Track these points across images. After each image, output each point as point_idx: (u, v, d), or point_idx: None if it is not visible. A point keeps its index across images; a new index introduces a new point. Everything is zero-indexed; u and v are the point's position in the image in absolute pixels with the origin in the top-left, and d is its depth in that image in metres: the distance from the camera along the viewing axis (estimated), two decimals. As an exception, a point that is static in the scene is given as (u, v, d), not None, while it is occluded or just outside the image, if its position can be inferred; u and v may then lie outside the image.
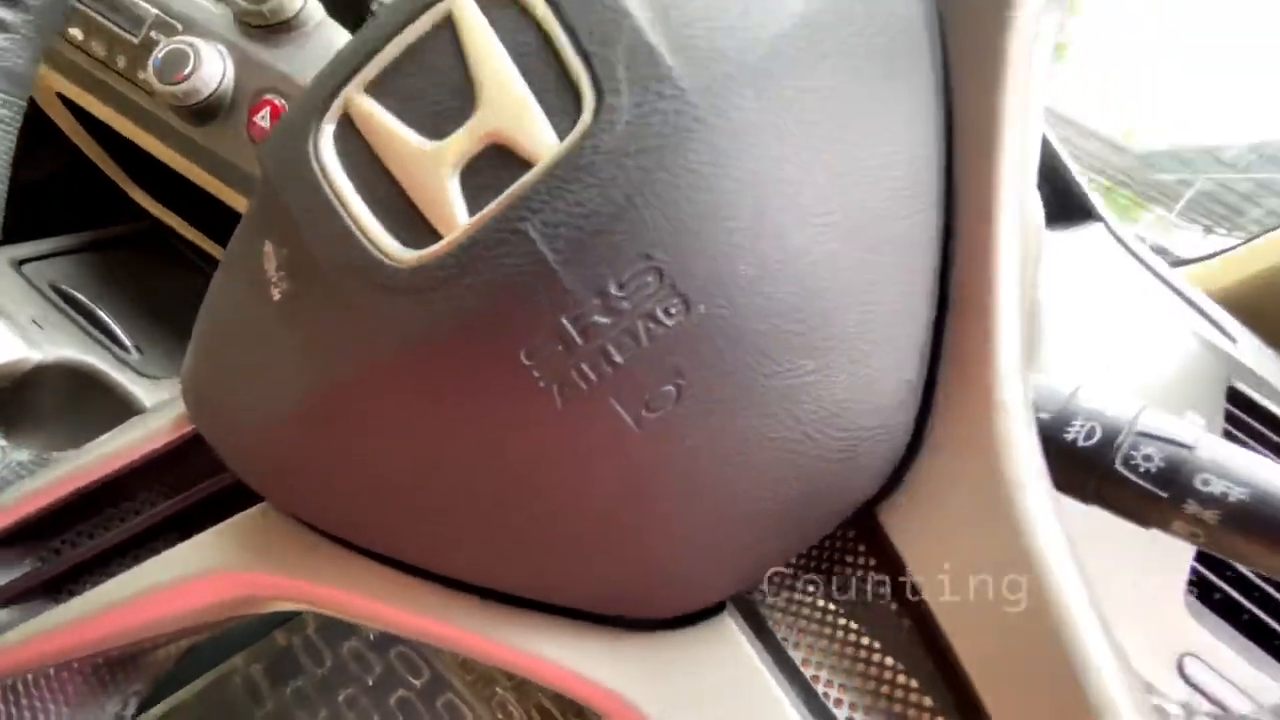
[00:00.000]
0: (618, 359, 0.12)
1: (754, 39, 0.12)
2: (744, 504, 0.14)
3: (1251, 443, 0.35)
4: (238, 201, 0.44)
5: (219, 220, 0.49)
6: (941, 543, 0.14)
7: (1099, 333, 0.39)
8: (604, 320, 0.12)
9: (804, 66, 0.12)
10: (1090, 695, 0.12)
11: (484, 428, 0.13)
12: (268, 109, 0.39)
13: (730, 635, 0.14)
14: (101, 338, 0.53)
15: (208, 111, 0.40)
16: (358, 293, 0.13)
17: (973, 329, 0.13)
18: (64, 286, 0.56)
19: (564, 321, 0.12)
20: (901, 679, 0.14)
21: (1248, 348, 0.45)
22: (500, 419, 0.12)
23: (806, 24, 0.12)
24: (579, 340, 0.12)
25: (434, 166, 0.12)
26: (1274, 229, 0.60)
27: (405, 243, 0.13)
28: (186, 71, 0.38)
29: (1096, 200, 0.53)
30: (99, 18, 0.42)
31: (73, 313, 0.53)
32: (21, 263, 0.56)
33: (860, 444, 0.13)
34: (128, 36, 0.42)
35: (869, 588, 0.15)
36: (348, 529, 0.15)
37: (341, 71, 0.13)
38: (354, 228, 0.13)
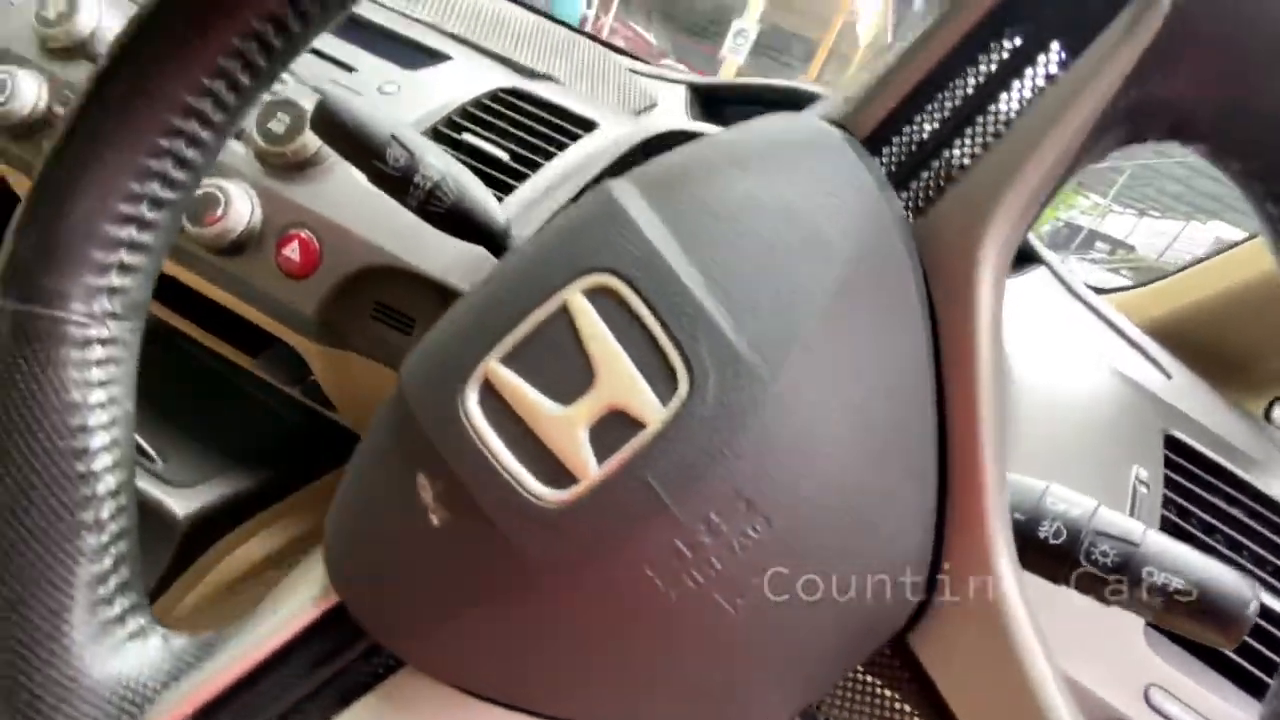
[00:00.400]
0: (718, 566, 0.16)
1: (806, 314, 0.17)
2: (811, 652, 0.18)
3: (1192, 487, 0.40)
4: (259, 317, 0.46)
5: (228, 323, 0.52)
6: (963, 671, 0.18)
7: (1048, 386, 0.44)
8: (707, 540, 0.16)
9: (840, 324, 0.17)
10: None
11: (617, 620, 0.16)
12: (296, 242, 0.42)
13: None
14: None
15: (236, 247, 0.43)
16: (512, 525, 0.16)
17: (968, 512, 0.18)
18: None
19: (678, 543, 0.16)
20: None
21: (1181, 383, 0.51)
22: (629, 612, 0.16)
23: (840, 291, 0.17)
24: (689, 555, 0.16)
25: (568, 426, 0.16)
26: (1202, 258, 0.66)
27: (548, 484, 0.16)
28: (218, 214, 0.41)
29: (1038, 244, 0.59)
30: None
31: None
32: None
33: (893, 596, 0.18)
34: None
35: (905, 696, 0.19)
36: (492, 691, 0.18)
37: (479, 343, 0.17)
38: (506, 474, 0.16)
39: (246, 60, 0.20)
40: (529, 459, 0.17)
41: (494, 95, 0.51)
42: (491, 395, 0.17)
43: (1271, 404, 0.63)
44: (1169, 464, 0.41)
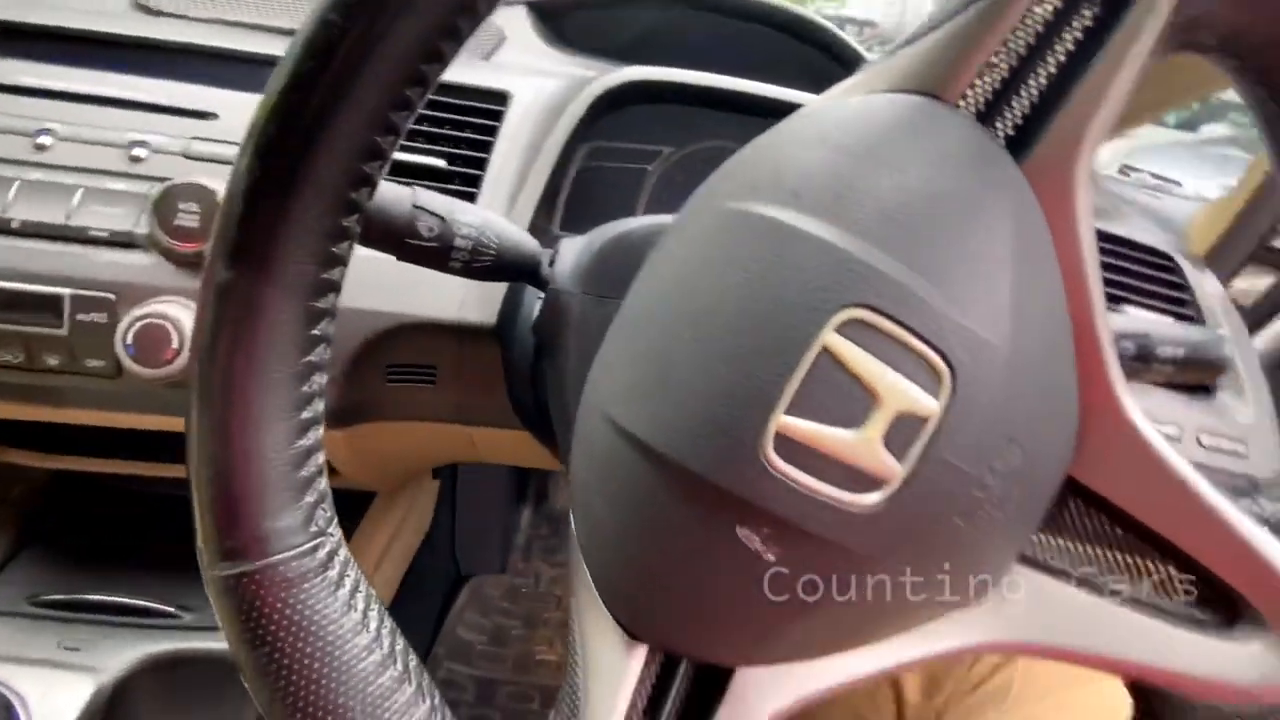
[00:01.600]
0: (998, 492, 0.19)
1: (999, 278, 0.19)
2: (1038, 505, 0.22)
3: None
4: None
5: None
6: (1118, 477, 0.22)
7: None
8: (992, 481, 0.19)
9: (1016, 270, 0.20)
10: None
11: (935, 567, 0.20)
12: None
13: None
14: (139, 620, 0.48)
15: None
16: (845, 535, 0.19)
17: (1093, 370, 0.21)
18: (43, 596, 0.49)
19: (975, 493, 0.19)
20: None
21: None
22: (947, 546, 0.20)
23: (1005, 244, 0.20)
24: (983, 495, 0.19)
25: (866, 444, 0.18)
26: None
27: (864, 493, 0.19)
28: (173, 347, 0.35)
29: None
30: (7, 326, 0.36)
31: (89, 615, 0.47)
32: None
33: (1067, 448, 0.21)
34: (49, 331, 0.36)
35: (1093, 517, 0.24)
36: (834, 649, 0.22)
37: (759, 404, 0.19)
38: (825, 499, 0.18)
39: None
40: (841, 481, 0.19)
41: None
42: (788, 442, 0.19)
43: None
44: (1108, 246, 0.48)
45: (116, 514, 0.56)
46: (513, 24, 0.68)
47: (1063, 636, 0.23)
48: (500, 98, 0.46)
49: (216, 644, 0.48)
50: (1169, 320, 0.30)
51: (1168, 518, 0.22)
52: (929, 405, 0.18)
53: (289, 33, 0.47)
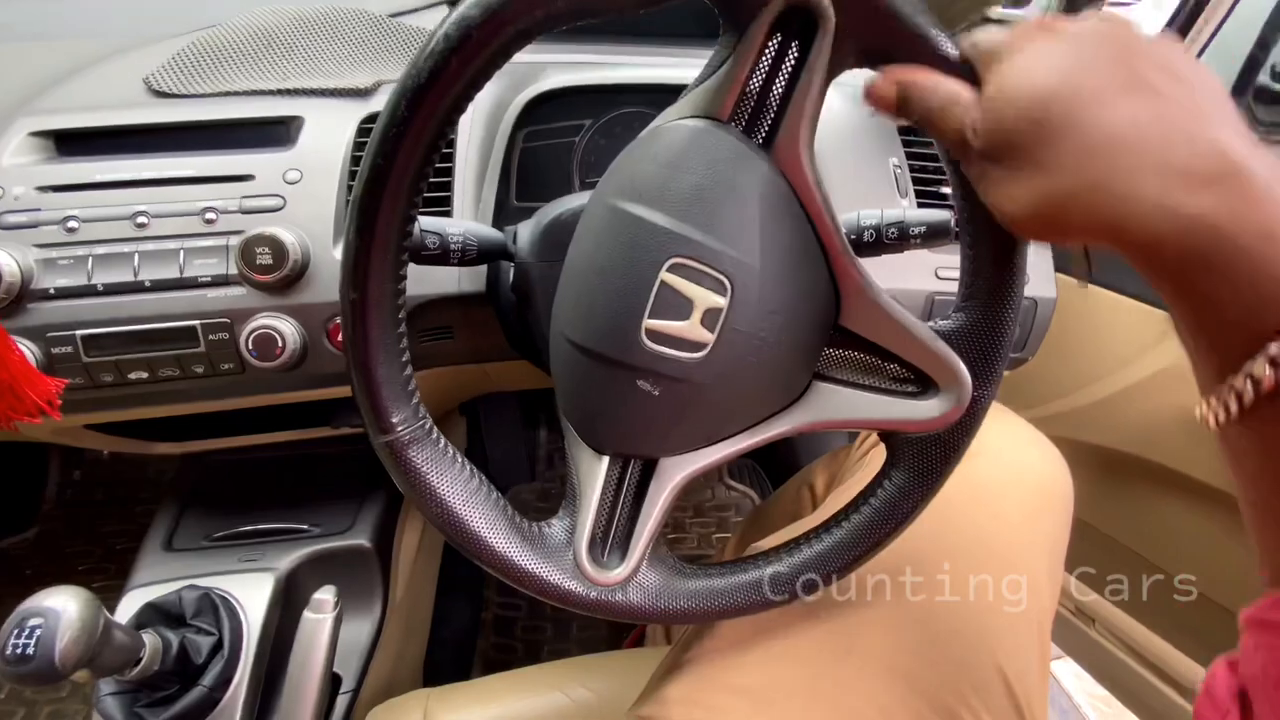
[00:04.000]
0: (772, 339, 0.36)
1: (754, 227, 0.34)
2: (812, 346, 0.39)
3: (924, 154, 0.63)
4: (339, 391, 0.59)
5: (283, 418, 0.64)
6: (872, 321, 0.39)
7: (827, 143, 0.65)
8: (765, 335, 0.35)
9: (765, 219, 0.36)
10: None
11: (735, 372, 0.37)
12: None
13: None
14: (287, 537, 0.68)
15: (301, 359, 0.54)
16: (692, 375, 0.35)
17: (839, 262, 0.38)
18: (214, 534, 0.69)
19: (755, 341, 0.36)
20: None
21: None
22: (740, 365, 0.37)
23: (758, 206, 0.35)
24: (760, 337, 0.36)
25: (691, 328, 0.34)
26: None
27: (693, 353, 0.35)
28: (280, 347, 0.52)
29: None
30: (156, 354, 0.53)
31: (251, 540, 0.68)
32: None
33: (828, 311, 0.39)
34: (192, 350, 0.53)
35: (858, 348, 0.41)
36: (691, 446, 0.39)
37: (636, 312, 0.35)
38: (678, 358, 0.34)
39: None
40: (683, 348, 0.33)
41: (360, 130, 0.59)
42: (653, 333, 0.33)
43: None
44: (905, 144, 0.63)
45: (239, 474, 0.76)
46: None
47: (837, 414, 0.37)
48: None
49: (343, 542, 0.68)
50: (925, 211, 0.46)
51: (888, 338, 0.36)
52: (721, 301, 0.33)
53: (280, 92, 0.61)
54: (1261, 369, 0.22)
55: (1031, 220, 0.27)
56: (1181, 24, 0.61)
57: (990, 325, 0.36)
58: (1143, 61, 0.25)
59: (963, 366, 0.35)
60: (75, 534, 1.16)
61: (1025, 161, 0.26)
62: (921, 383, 0.37)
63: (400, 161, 0.31)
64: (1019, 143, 0.26)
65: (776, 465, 1.28)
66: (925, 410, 0.36)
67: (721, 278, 0.33)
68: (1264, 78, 0.60)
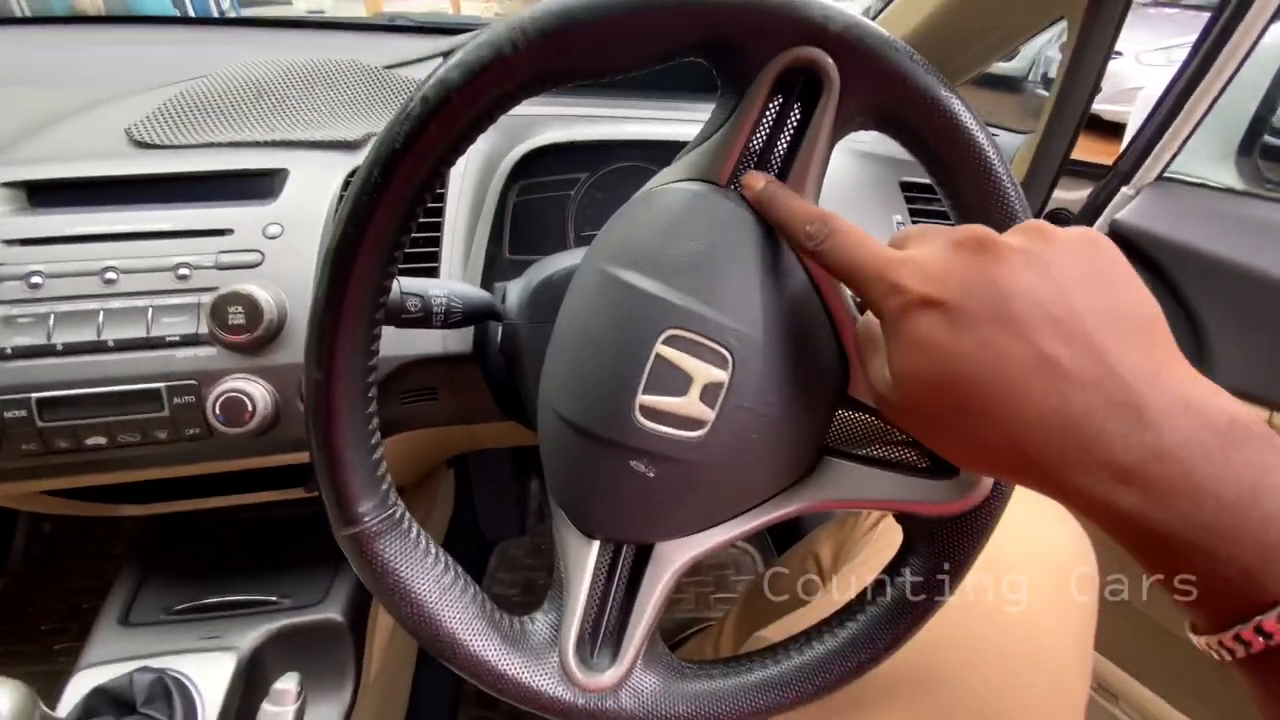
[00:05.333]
0: (778, 413, 0.33)
1: (757, 298, 0.31)
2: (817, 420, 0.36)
3: (928, 210, 0.61)
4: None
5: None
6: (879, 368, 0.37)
7: (832, 188, 0.63)
8: (769, 410, 0.32)
9: (767, 284, 0.33)
10: None
11: (739, 459, 0.33)
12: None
13: None
14: (252, 610, 0.63)
15: (273, 424, 0.51)
16: (689, 456, 0.31)
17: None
18: (174, 606, 0.64)
19: (758, 418, 0.32)
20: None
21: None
22: (740, 453, 0.33)
23: (758, 275, 0.32)
24: (766, 413, 0.32)
25: (688, 405, 0.31)
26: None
27: (692, 431, 0.32)
28: (250, 410, 0.48)
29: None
30: (116, 419, 0.49)
31: (213, 613, 0.63)
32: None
33: (841, 379, 0.36)
34: (156, 415, 0.50)
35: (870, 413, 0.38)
36: (695, 529, 0.34)
37: (629, 388, 0.31)
38: (674, 438, 0.31)
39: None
40: (680, 426, 0.30)
41: (345, 183, 0.57)
42: (646, 409, 0.30)
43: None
44: (908, 201, 0.62)
45: (206, 537, 0.71)
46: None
47: (850, 493, 0.34)
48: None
49: (313, 616, 0.63)
50: None
51: None
52: (721, 375, 0.30)
53: (261, 144, 0.59)
54: (1274, 623, 0.20)
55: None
56: (1184, 87, 0.61)
57: None
58: (1037, 326, 0.23)
59: None
60: (42, 591, 1.10)
61: (940, 426, 0.26)
62: (936, 462, 0.33)
63: (373, 230, 0.28)
64: (932, 411, 0.26)
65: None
66: (944, 491, 0.33)
67: (722, 350, 0.30)
68: (1270, 137, 0.59)
